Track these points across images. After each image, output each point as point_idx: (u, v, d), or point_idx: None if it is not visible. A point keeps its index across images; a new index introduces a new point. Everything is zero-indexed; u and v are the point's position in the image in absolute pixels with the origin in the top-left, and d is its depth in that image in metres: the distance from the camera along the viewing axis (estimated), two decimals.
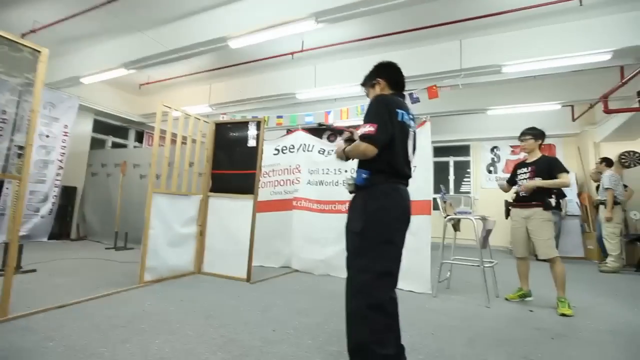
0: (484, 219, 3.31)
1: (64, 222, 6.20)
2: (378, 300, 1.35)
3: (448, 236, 3.49)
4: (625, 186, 5.30)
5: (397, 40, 4.61)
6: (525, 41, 4.26)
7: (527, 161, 3.19)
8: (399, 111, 1.49)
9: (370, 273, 1.37)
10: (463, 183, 8.53)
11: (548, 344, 2.13)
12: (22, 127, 2.30)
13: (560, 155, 7.32)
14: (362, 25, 4.34)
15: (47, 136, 5.70)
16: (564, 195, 6.15)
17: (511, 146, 7.82)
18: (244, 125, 3.81)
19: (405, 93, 4.49)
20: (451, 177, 8.56)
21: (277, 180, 4.55)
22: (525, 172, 3.12)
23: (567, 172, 3.00)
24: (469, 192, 8.15)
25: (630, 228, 5.54)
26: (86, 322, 2.14)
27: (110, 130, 7.77)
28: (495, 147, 8.06)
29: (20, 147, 2.32)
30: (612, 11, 3.83)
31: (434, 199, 3.88)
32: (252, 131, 3.75)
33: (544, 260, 2.97)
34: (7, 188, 5.20)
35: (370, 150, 1.41)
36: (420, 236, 3.34)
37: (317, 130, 7.27)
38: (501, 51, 4.37)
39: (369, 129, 1.41)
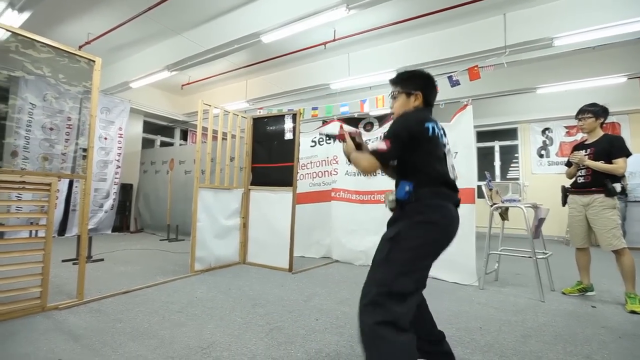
0: (535, 207, 3.09)
1: (124, 216, 6.80)
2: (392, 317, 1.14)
3: (495, 225, 3.30)
4: None
5: (433, 20, 4.38)
6: (581, 8, 3.83)
7: (587, 142, 2.90)
8: (429, 125, 1.32)
9: (387, 287, 1.17)
10: (510, 169, 7.99)
11: (615, 343, 1.96)
12: (85, 131, 2.55)
13: (626, 134, 6.56)
14: (395, 8, 4.17)
15: (105, 138, 6.24)
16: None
17: (566, 127, 7.15)
18: (280, 118, 3.88)
19: (444, 76, 4.32)
20: (497, 163, 8.05)
21: (315, 172, 4.59)
22: (585, 155, 2.84)
23: (628, 155, 2.66)
24: (517, 179, 7.62)
25: None
26: (148, 306, 2.35)
27: (158, 130, 8.31)
28: (547, 128, 7.41)
29: (84, 150, 2.58)
30: None
31: (478, 186, 3.69)
32: (288, 124, 3.80)
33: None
34: (76, 187, 5.80)
35: (372, 165, 1.27)
36: (464, 225, 3.19)
37: (355, 122, 7.18)
38: (552, 22, 3.97)
39: (382, 146, 1.27)
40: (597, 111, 2.80)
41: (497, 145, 8.07)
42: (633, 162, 5.91)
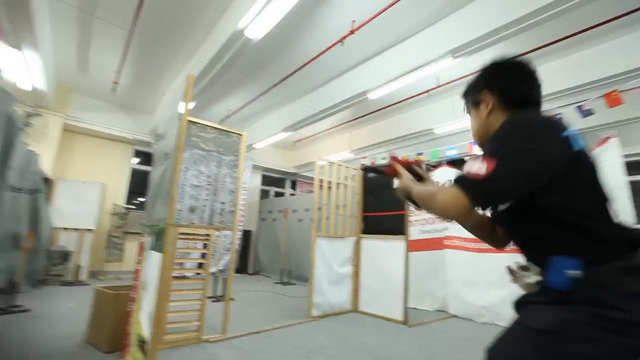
0: None
1: (244, 259, 7.70)
2: None
3: None
4: None
5: (549, 50, 4.05)
6: None
7: None
8: (567, 134, 0.78)
9: None
10: None
11: None
12: (222, 189, 3.16)
13: None
14: (503, 48, 4.04)
15: (233, 192, 7.41)
16: None
17: None
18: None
19: (571, 107, 3.84)
20: None
21: (424, 219, 4.47)
22: None
23: None
24: None
25: None
26: (278, 348, 2.57)
27: (272, 182, 9.45)
28: None
29: (222, 203, 3.19)
30: None
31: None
32: None
33: None
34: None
35: (457, 205, 0.77)
36: None
37: (461, 164, 6.83)
38: None
39: (478, 168, 0.76)
40: None
41: None
42: None
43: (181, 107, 2.04)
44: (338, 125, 6.68)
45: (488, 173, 0.74)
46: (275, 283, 6.19)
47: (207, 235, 2.82)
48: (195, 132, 2.79)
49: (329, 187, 4.04)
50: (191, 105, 4.88)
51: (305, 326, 3.26)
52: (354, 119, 6.31)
